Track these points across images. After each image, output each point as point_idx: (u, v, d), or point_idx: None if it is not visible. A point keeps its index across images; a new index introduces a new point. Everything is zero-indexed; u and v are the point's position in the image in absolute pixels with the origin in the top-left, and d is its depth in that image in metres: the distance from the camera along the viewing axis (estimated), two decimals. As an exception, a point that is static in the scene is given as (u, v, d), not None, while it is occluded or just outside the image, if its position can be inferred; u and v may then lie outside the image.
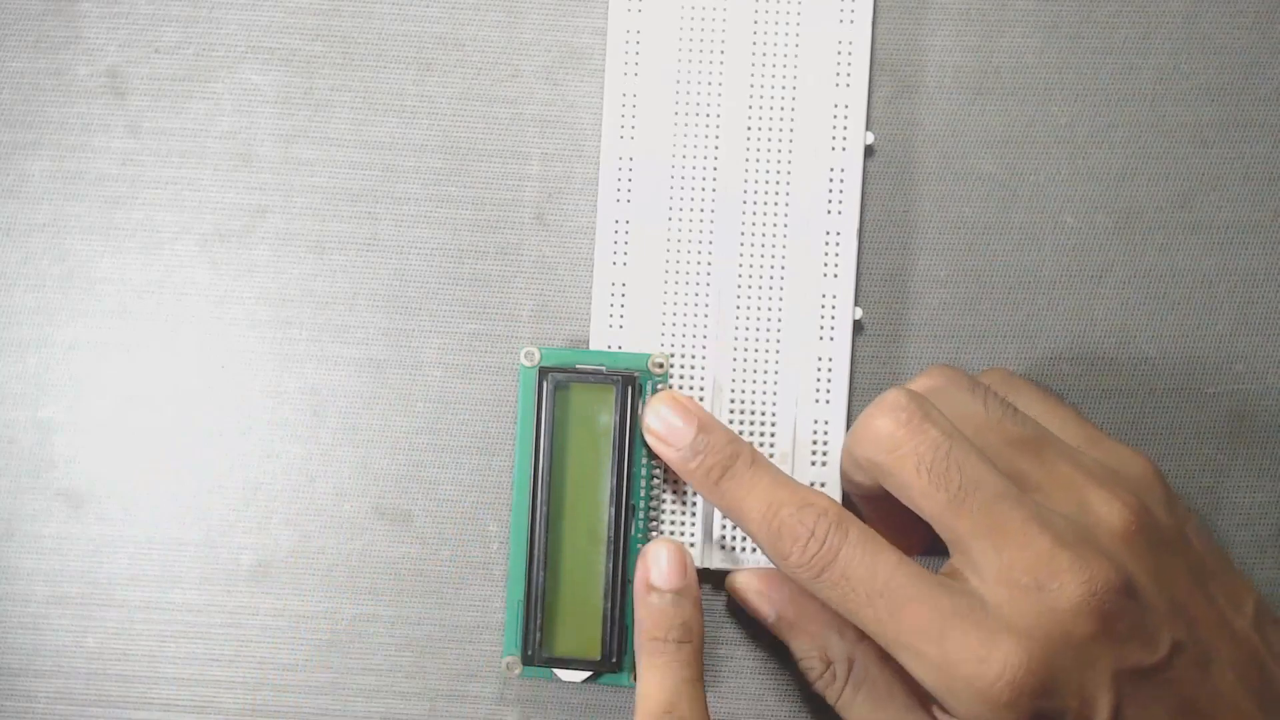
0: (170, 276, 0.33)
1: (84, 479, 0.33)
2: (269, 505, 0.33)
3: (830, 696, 0.30)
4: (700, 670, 0.29)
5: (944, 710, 0.28)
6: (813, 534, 0.27)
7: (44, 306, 0.33)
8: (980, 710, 0.25)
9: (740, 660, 0.33)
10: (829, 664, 0.30)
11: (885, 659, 0.29)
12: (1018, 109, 0.33)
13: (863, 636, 0.28)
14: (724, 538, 0.32)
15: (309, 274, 0.33)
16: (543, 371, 0.31)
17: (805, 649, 0.30)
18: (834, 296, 0.32)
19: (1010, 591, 0.26)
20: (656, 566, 0.29)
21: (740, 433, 0.32)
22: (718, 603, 0.33)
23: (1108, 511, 0.27)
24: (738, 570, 0.31)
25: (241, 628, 0.33)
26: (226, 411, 0.33)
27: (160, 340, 0.33)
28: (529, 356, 0.31)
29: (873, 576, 0.26)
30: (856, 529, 0.27)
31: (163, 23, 0.33)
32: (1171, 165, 0.33)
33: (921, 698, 0.29)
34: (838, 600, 0.27)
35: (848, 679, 0.29)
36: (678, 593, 0.29)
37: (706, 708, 0.29)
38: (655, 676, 0.29)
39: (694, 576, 0.30)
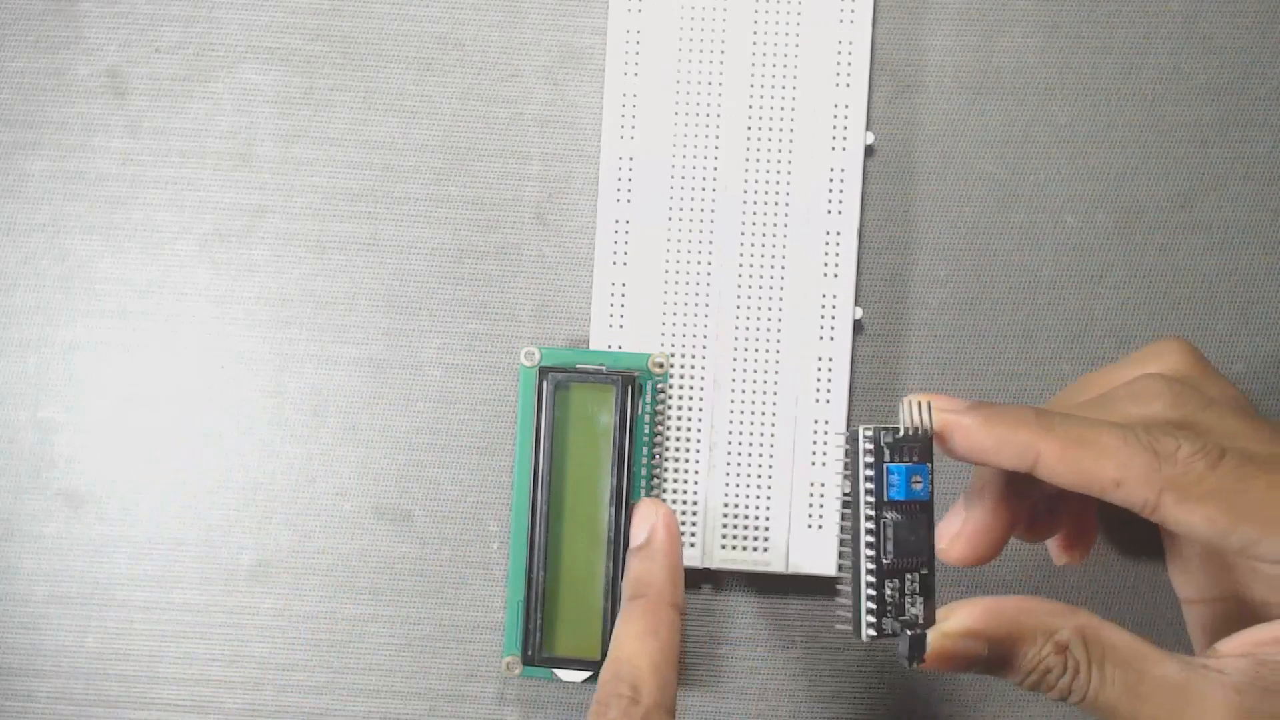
0: (170, 276, 0.33)
1: (84, 479, 0.33)
2: (269, 505, 0.33)
3: (1079, 690, 0.25)
4: (654, 622, 0.28)
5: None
6: (1193, 438, 0.25)
7: (44, 306, 0.33)
8: None
9: (740, 660, 0.33)
10: (1064, 650, 0.26)
11: (1104, 625, 0.26)
12: (1018, 109, 0.33)
13: (1073, 608, 0.26)
14: (724, 537, 0.32)
15: (309, 274, 0.33)
16: (543, 371, 0.31)
17: (1033, 657, 0.26)
18: (834, 296, 0.32)
19: None
20: (632, 529, 0.30)
21: (741, 432, 0.32)
22: (719, 602, 0.33)
23: None
24: (927, 633, 0.26)
25: (241, 628, 0.33)
26: (226, 411, 0.33)
27: (160, 340, 0.33)
28: (529, 356, 0.31)
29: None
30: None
31: (163, 23, 0.33)
32: (1171, 165, 0.33)
33: (1157, 649, 0.26)
34: (1242, 487, 0.24)
35: (1089, 659, 0.25)
36: (638, 550, 0.30)
37: (662, 654, 0.28)
38: (616, 628, 0.29)
39: (661, 535, 0.30)
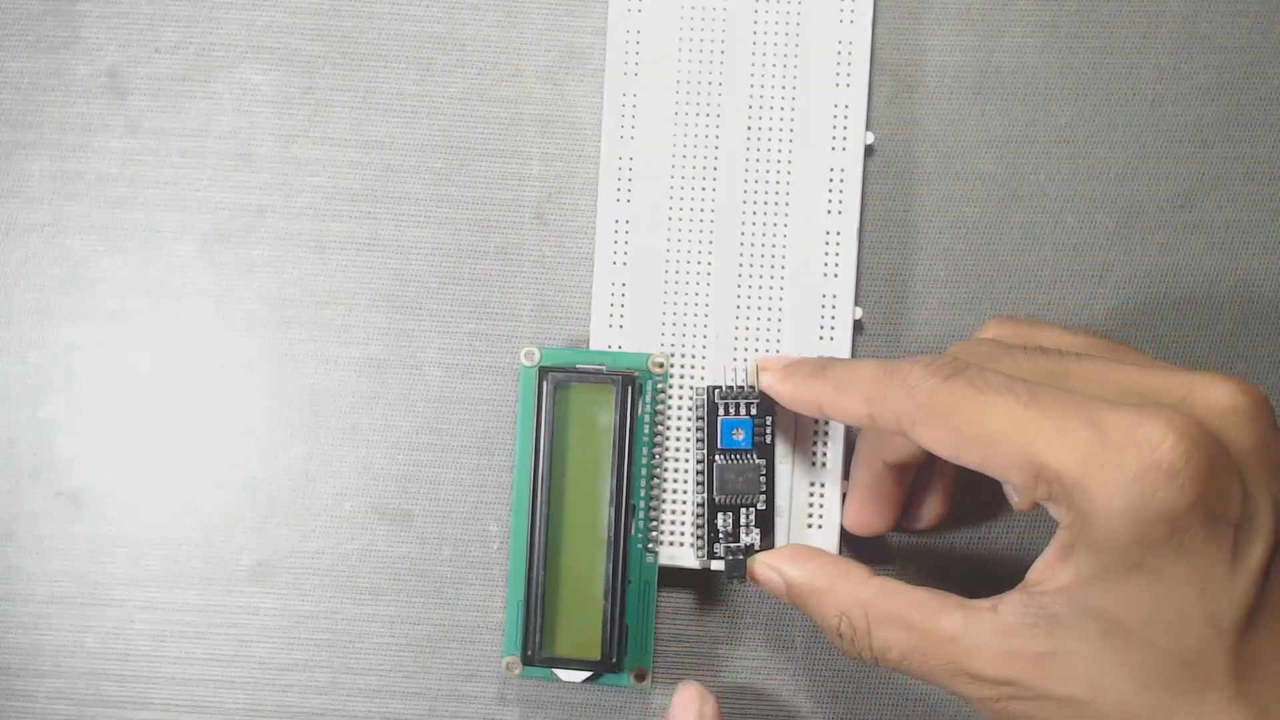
0: (170, 276, 0.33)
1: (84, 479, 0.33)
2: (269, 505, 0.33)
3: (864, 651, 0.27)
4: None
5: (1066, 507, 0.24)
6: (933, 361, 0.26)
7: (44, 306, 0.33)
8: (1139, 488, 0.22)
9: (740, 660, 0.33)
10: (839, 619, 0.27)
11: (899, 589, 0.26)
12: (1018, 109, 0.33)
13: (871, 575, 0.27)
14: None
15: (309, 274, 0.33)
16: (543, 371, 0.31)
17: (822, 608, 0.28)
18: (834, 296, 0.32)
19: (1142, 406, 0.23)
20: (674, 712, 0.29)
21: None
22: (719, 602, 0.33)
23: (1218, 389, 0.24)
24: (744, 558, 0.30)
25: (241, 628, 0.33)
26: (226, 411, 0.33)
27: (160, 340, 0.33)
28: (529, 356, 0.31)
29: (1007, 377, 0.25)
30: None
31: (163, 23, 0.33)
32: (1171, 165, 0.33)
33: (954, 599, 0.26)
34: (961, 407, 0.24)
35: (869, 627, 0.26)
36: None
37: None
38: None
39: (709, 714, 0.29)
